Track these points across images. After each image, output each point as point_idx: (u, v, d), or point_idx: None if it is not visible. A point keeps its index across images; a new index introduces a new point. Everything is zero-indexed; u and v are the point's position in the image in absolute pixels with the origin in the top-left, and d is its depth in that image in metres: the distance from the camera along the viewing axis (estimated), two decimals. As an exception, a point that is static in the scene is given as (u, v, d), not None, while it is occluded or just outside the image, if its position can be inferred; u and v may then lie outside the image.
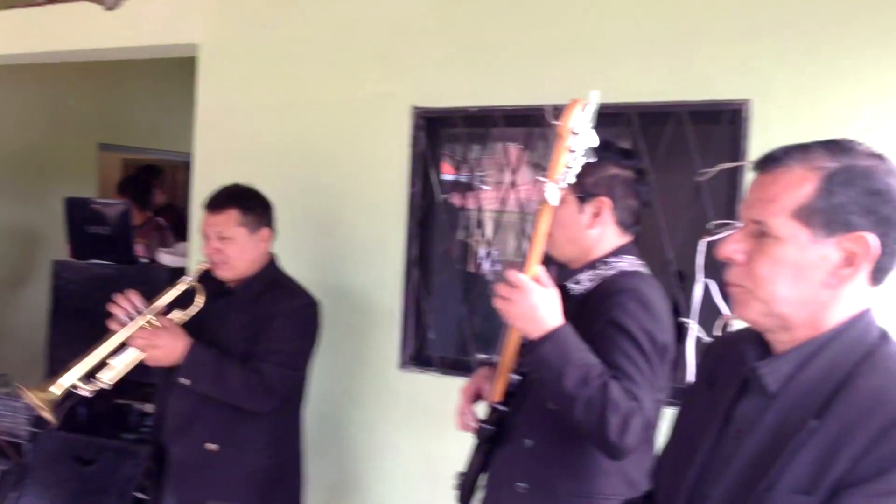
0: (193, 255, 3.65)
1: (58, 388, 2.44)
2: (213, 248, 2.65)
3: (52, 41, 4.11)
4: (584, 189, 1.88)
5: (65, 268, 3.93)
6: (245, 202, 2.68)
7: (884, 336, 1.17)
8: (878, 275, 1.15)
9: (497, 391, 1.90)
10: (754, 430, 1.15)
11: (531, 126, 2.97)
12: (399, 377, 3.14)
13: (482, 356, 2.97)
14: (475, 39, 3.06)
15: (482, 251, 3.31)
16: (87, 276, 3.85)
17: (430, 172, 3.18)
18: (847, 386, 1.10)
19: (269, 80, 3.51)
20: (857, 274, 1.14)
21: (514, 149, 3.20)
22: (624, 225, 1.93)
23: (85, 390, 2.48)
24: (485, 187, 3.26)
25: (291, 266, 2.85)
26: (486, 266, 3.38)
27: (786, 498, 1.07)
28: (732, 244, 1.20)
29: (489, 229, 3.19)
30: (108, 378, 2.52)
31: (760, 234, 1.17)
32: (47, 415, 2.46)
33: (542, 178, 1.74)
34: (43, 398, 2.43)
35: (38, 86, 5.68)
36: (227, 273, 2.66)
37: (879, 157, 1.16)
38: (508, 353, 1.86)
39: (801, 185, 1.14)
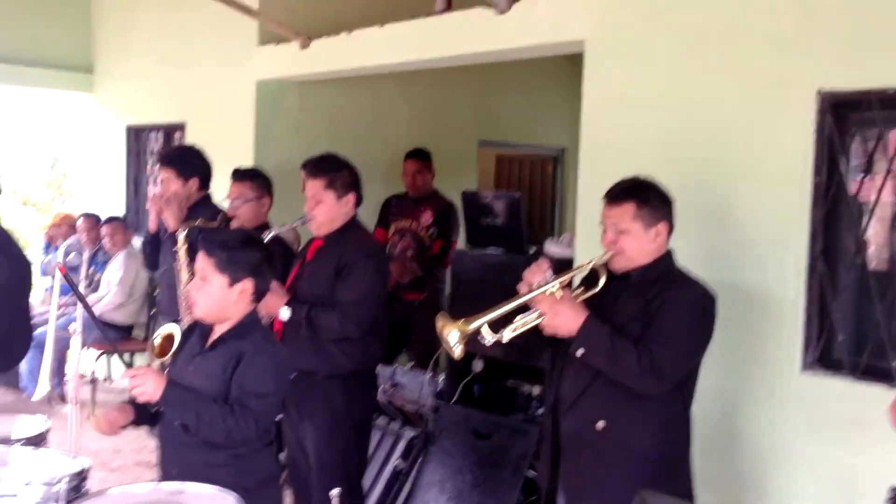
0: (579, 246, 3.76)
1: (469, 325, 2.62)
2: (609, 239, 2.71)
3: (447, 47, 4.45)
4: None
5: (462, 256, 4.26)
6: (642, 196, 2.69)
7: None
8: None
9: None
10: None
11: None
12: (802, 380, 2.97)
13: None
14: (891, 10, 2.78)
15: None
16: (481, 264, 4.14)
17: (837, 161, 2.95)
18: None
19: (657, 72, 3.49)
20: None
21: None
22: None
23: (488, 337, 2.63)
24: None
25: (682, 259, 2.82)
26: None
27: None
28: None
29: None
30: (508, 332, 2.66)
31: None
32: (455, 350, 2.63)
33: None
34: (460, 328, 2.63)
35: (427, 88, 6.23)
36: (622, 264, 2.71)
37: None
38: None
39: None
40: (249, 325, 2.63)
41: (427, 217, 5.52)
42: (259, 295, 2.65)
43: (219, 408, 2.48)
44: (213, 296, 2.59)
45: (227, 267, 2.57)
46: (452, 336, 2.63)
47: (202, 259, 2.61)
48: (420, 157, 5.66)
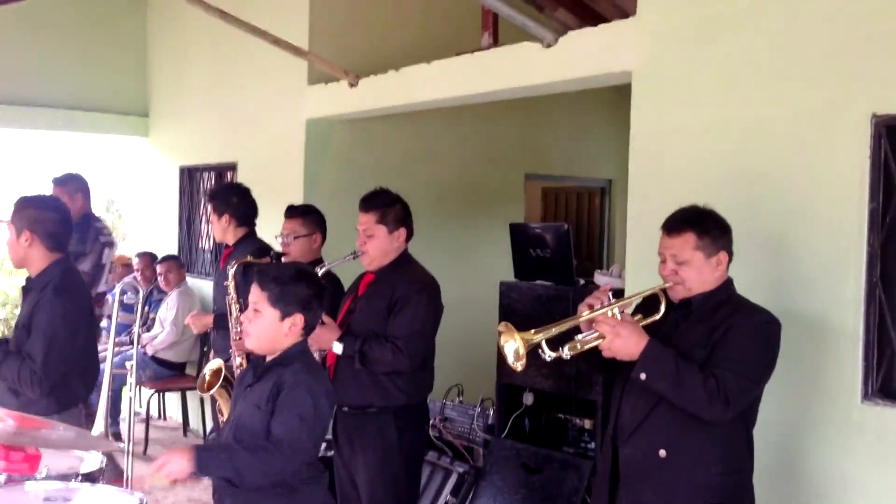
0: (629, 276, 3.73)
1: (531, 337, 2.57)
2: (668, 270, 2.68)
3: (495, 82, 4.49)
4: None
5: (511, 288, 4.25)
6: (702, 225, 2.67)
7: None
8: None
9: None
10: None
11: None
12: (863, 410, 2.89)
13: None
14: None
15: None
16: (530, 296, 4.13)
17: (894, 185, 2.90)
18: None
19: (706, 100, 3.47)
20: None
21: None
22: None
23: (547, 354, 2.58)
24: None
25: (738, 289, 2.78)
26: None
27: None
28: None
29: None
30: (567, 350, 2.61)
31: None
32: (517, 363, 2.57)
33: None
34: (524, 338, 2.57)
35: (474, 123, 6.29)
36: (681, 294, 2.69)
37: None
38: None
39: None
40: (293, 356, 2.64)
41: None
42: (309, 329, 2.67)
43: (250, 453, 2.46)
44: (265, 329, 2.62)
45: (279, 301, 2.60)
46: (510, 346, 2.58)
47: (256, 292, 2.64)
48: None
